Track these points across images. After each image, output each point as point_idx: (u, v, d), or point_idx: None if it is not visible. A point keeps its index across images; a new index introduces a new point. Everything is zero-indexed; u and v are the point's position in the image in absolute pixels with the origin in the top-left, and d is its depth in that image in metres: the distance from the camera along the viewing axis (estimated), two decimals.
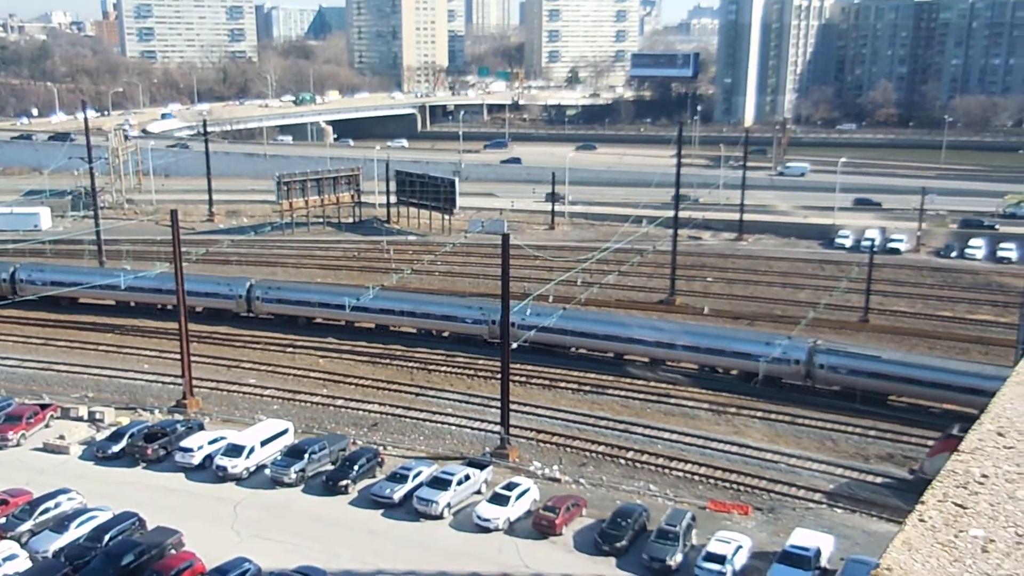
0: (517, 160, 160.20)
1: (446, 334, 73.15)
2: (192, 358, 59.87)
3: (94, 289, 78.82)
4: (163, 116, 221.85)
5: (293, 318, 77.35)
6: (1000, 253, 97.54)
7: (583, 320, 69.64)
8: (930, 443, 51.41)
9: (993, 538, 2.76)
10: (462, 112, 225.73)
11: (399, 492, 45.35)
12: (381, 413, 59.07)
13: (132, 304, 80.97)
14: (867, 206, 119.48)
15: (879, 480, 49.42)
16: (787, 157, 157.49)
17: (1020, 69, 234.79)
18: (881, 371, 59.93)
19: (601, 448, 53.64)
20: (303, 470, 47.78)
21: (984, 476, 3.15)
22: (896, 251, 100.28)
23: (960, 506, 2.95)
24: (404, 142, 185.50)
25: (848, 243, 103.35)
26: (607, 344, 68.30)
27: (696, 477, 50.07)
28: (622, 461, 52.18)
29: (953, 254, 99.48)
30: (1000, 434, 3.51)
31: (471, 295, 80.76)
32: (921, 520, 2.89)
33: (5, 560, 38.42)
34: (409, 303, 74.98)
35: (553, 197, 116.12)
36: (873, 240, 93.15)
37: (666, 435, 55.05)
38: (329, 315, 77.06)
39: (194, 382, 59.88)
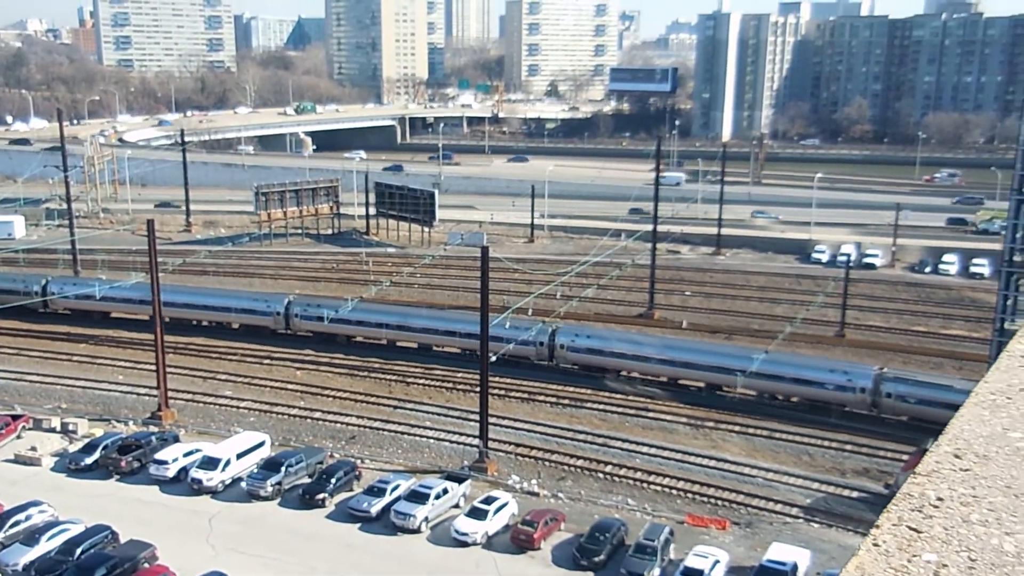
0: (524, 158, 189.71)
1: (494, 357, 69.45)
2: (167, 369, 59.35)
3: (127, 304, 77.65)
4: (160, 123, 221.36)
5: (332, 336, 74.25)
6: (973, 269, 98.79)
7: (638, 344, 67.72)
8: (904, 458, 51.93)
9: (946, 563, 2.85)
10: (442, 124, 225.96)
11: (377, 506, 45.12)
12: (359, 426, 58.78)
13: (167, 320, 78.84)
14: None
15: (855, 495, 49.80)
16: (674, 170, 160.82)
17: (992, 87, 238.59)
18: (955, 401, 59.32)
19: (580, 462, 53.68)
20: (280, 483, 47.44)
21: (939, 499, 3.24)
22: (872, 266, 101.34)
23: (914, 530, 3.04)
24: (362, 154, 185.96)
25: (824, 258, 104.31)
26: (661, 368, 65.69)
27: (674, 491, 50.21)
28: (600, 475, 52.23)
29: (927, 269, 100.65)
30: (957, 456, 3.61)
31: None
32: (875, 544, 2.97)
33: None
34: (457, 323, 71.38)
35: (532, 206, 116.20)
36: (849, 255, 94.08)
37: (644, 449, 55.18)
38: (370, 334, 73.91)
39: (169, 394, 59.35)
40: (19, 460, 51.25)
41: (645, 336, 72.36)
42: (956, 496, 3.26)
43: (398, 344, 73.99)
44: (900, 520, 3.10)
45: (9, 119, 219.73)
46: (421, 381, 67.77)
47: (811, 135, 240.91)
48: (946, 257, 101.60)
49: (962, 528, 3.03)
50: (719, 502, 48.95)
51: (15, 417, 55.82)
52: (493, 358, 54.17)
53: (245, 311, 76.81)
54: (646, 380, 66.41)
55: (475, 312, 72.86)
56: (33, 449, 52.00)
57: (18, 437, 54.13)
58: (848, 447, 55.78)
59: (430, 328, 72.95)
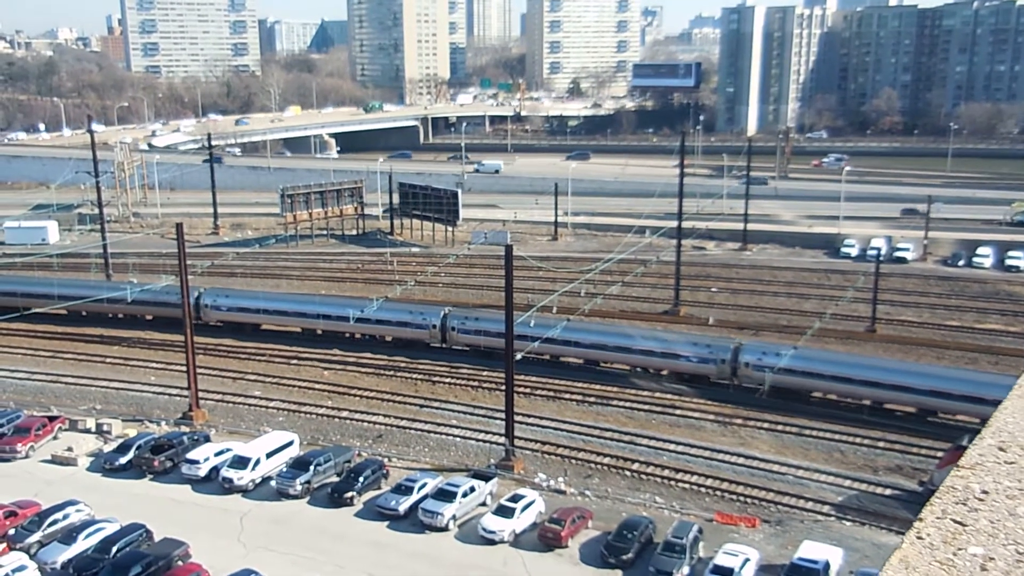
0: (586, 154, 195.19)
1: (664, 372, 66.71)
2: (198, 370, 59.97)
3: (276, 317, 78.26)
4: (238, 122, 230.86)
5: (491, 350, 69.07)
6: (1008, 262, 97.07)
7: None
8: (939, 455, 51.17)
9: (993, 556, 2.78)
10: (464, 124, 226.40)
11: (404, 504, 45.30)
12: (386, 425, 59.03)
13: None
14: (912, 215, 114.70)
15: (888, 492, 49.16)
16: (488, 158, 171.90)
17: None
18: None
19: (606, 460, 53.50)
20: (308, 482, 47.78)
21: (984, 492, 3.16)
22: (903, 260, 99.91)
23: (959, 523, 2.97)
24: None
25: (854, 252, 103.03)
26: (859, 390, 60.50)
27: (703, 489, 49.88)
28: (628, 473, 52.03)
29: (960, 263, 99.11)
30: (1001, 449, 3.52)
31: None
32: (919, 537, 2.90)
33: (14, 572, 38.54)
34: (618, 336, 68.47)
35: (556, 204, 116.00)
36: (879, 249, 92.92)
37: (672, 446, 54.89)
38: (541, 349, 67.59)
39: (200, 394, 59.97)
40: (56, 460, 52.10)
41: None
42: (1001, 489, 3.17)
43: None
44: (944, 513, 3.03)
45: (42, 127, 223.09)
46: (447, 380, 67.90)
47: (838, 128, 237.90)
48: (980, 250, 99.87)
49: (1009, 521, 2.95)
50: (748, 500, 48.55)
51: (52, 418, 56.74)
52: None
53: (401, 324, 73.65)
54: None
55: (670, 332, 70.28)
56: (69, 450, 52.84)
57: (55, 438, 55.01)
58: (880, 444, 55.05)
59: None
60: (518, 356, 54.69)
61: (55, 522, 43.10)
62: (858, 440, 55.63)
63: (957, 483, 3.22)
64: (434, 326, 72.44)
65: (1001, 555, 2.78)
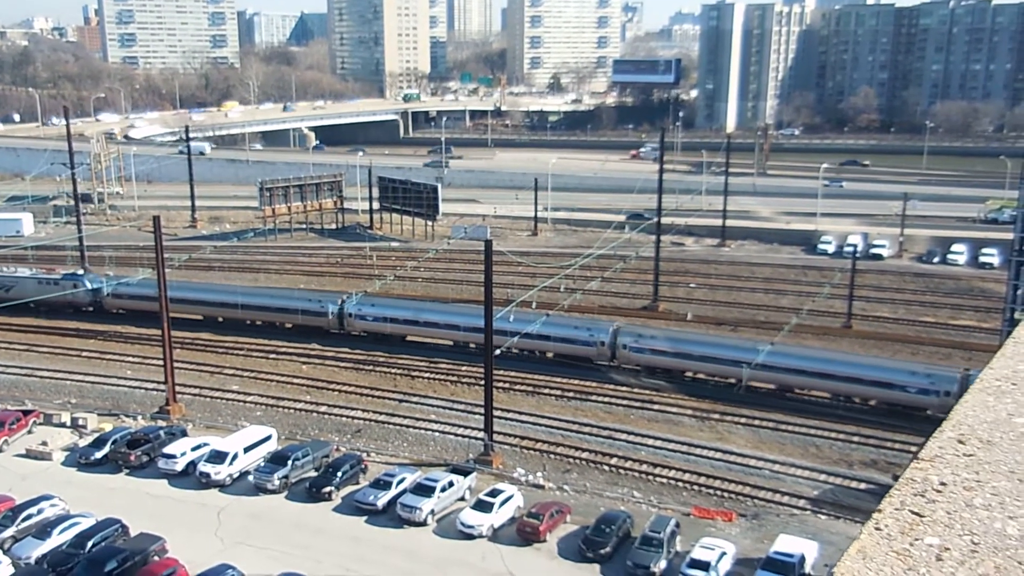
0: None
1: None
2: (175, 364, 59.56)
3: (425, 328, 73.59)
4: (285, 107, 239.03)
5: (669, 372, 65.36)
6: (982, 259, 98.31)
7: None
8: (914, 449, 51.83)
9: (948, 546, 2.86)
10: (444, 118, 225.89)
11: (383, 499, 45.25)
12: (364, 419, 58.94)
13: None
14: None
15: (863, 486, 49.72)
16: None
17: (1001, 75, 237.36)
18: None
19: (585, 454, 53.72)
20: (286, 477, 47.60)
21: (942, 484, 3.25)
22: (879, 256, 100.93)
23: (917, 514, 3.05)
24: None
25: (831, 249, 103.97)
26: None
27: (680, 483, 50.21)
28: (606, 467, 52.27)
29: (935, 259, 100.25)
30: (960, 441, 3.61)
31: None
32: (877, 528, 2.98)
33: None
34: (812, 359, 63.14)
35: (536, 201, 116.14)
36: (855, 246, 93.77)
37: (650, 441, 55.18)
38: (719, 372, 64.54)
39: (177, 388, 59.56)
40: (30, 455, 51.57)
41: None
42: (959, 481, 3.26)
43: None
44: (903, 504, 3.11)
45: (16, 117, 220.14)
46: (426, 375, 67.85)
47: (816, 126, 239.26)
48: (954, 247, 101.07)
49: (965, 512, 3.04)
50: (725, 494, 48.94)
51: (26, 412, 56.13)
52: None
53: (564, 340, 68.36)
54: None
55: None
56: (44, 444, 52.32)
57: (29, 432, 54.43)
58: (855, 438, 55.65)
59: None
60: (497, 352, 54.73)
61: (29, 517, 42.65)
62: (833, 435, 56.20)
63: (916, 475, 3.31)
64: (602, 343, 67.20)
65: (956, 545, 2.86)
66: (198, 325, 77.40)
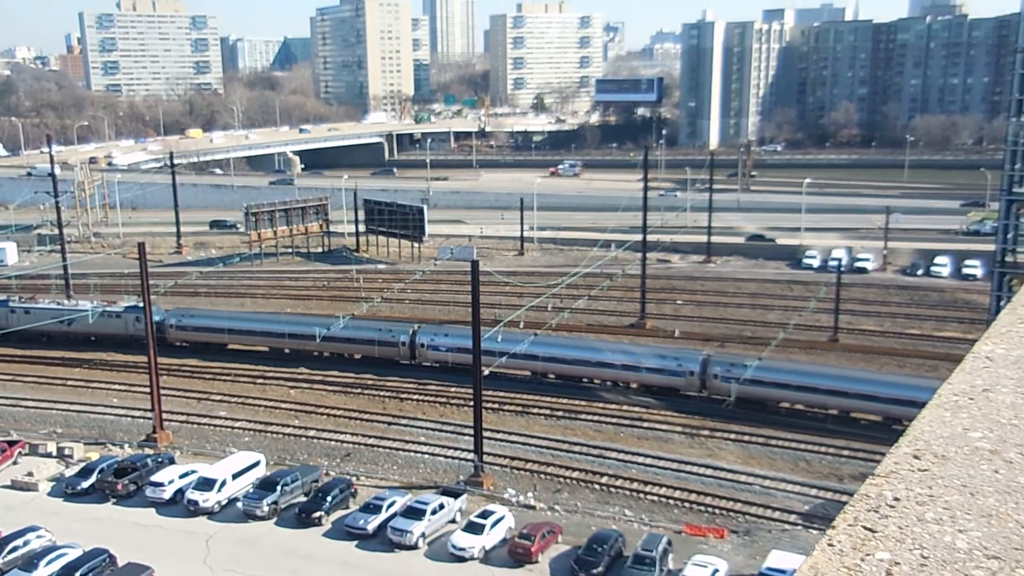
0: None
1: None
2: (161, 391, 59.22)
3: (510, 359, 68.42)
4: (301, 130, 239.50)
5: (761, 402, 62.74)
6: (965, 271, 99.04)
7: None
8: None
9: (898, 560, 2.96)
10: (429, 140, 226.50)
11: (373, 523, 45.03)
12: (353, 443, 58.71)
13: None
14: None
15: None
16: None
17: (978, 88, 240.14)
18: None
19: (575, 474, 53.65)
20: (276, 502, 47.32)
21: (896, 499, 3.35)
22: (863, 270, 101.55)
23: (869, 529, 3.16)
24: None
25: (815, 263, 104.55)
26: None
27: (671, 501, 50.20)
28: (597, 486, 52.21)
29: (919, 272, 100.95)
30: (916, 457, 3.72)
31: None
32: (830, 544, 3.09)
33: None
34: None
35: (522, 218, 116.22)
36: (840, 260, 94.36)
37: (640, 459, 55.19)
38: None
39: (164, 416, 59.20)
40: (16, 486, 51.08)
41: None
42: (912, 496, 3.37)
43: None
44: (856, 520, 3.22)
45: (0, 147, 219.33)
46: (415, 397, 67.70)
47: (797, 141, 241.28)
48: (938, 259, 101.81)
49: (916, 527, 3.15)
50: (717, 511, 48.94)
51: (11, 443, 55.66)
52: None
53: (651, 370, 66.27)
54: None
55: None
56: (30, 474, 51.84)
57: (15, 463, 53.96)
58: (845, 452, 55.82)
59: None
60: (485, 371, 54.73)
61: (15, 549, 42.20)
62: (823, 449, 56.35)
63: (871, 491, 3.42)
64: (691, 373, 65.09)
65: (907, 559, 2.97)
66: (184, 352, 77.01)
